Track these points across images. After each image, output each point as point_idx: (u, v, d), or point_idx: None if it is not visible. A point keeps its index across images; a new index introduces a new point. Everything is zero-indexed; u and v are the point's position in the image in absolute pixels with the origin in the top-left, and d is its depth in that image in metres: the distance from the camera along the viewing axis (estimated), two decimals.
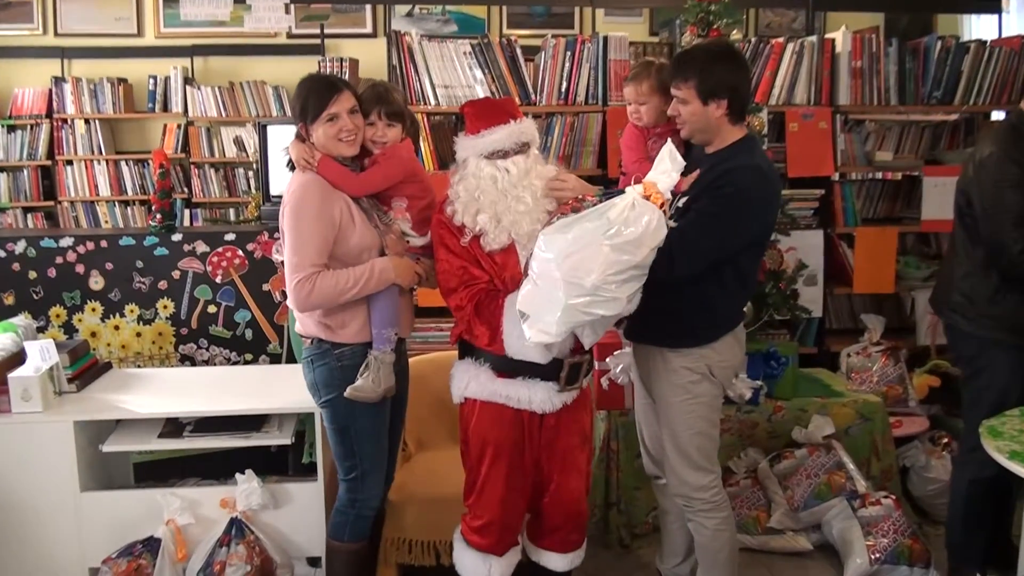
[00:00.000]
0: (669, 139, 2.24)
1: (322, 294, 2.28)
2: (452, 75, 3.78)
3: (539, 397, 2.31)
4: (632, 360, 2.63)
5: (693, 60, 2.34)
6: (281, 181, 2.55)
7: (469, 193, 2.27)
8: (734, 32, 3.30)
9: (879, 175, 4.25)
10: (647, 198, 2.02)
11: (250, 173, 5.85)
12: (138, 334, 3.55)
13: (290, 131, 2.45)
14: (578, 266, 1.98)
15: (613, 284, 2.00)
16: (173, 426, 2.75)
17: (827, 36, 3.99)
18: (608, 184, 3.71)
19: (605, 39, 3.83)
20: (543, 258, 2.04)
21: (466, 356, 2.38)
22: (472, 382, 2.34)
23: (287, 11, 4.25)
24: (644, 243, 2.00)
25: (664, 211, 2.05)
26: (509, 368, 2.30)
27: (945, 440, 3.46)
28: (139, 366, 3.51)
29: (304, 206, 2.29)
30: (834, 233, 3.99)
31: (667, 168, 2.04)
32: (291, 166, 2.43)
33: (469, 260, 2.29)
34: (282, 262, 2.39)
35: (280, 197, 2.51)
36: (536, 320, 2.07)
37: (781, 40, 3.91)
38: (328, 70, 4.75)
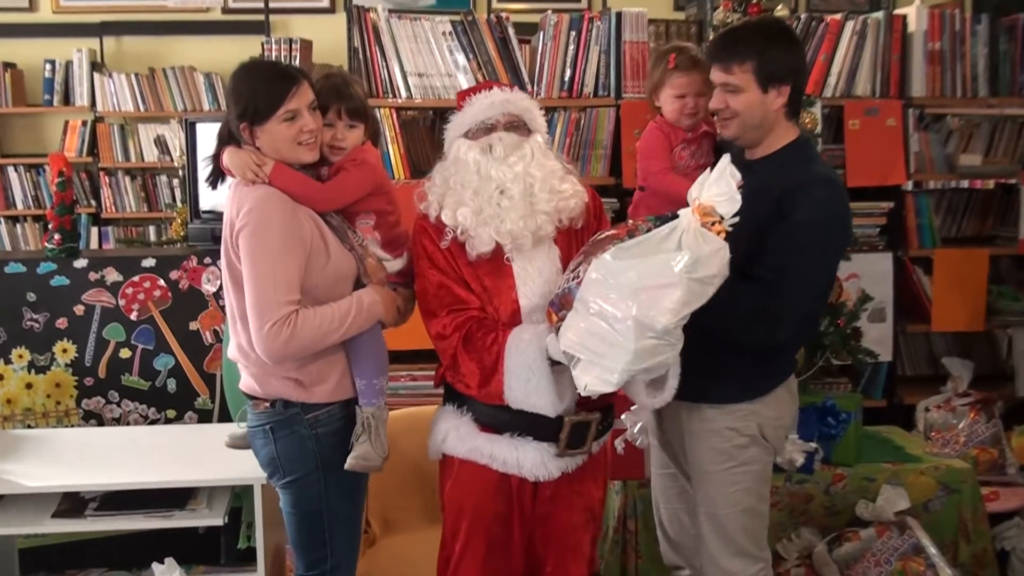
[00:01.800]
0: (726, 155, 2.17)
1: (304, 339, 2.23)
2: (428, 60, 3.82)
3: (530, 460, 2.30)
4: (652, 418, 2.64)
5: (750, 39, 2.39)
6: (214, 192, 2.56)
7: (444, 180, 2.31)
8: (779, 7, 3.35)
9: (964, 184, 4.30)
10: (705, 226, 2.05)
11: (175, 182, 5.87)
12: (28, 385, 3.54)
13: None
14: (652, 304, 2.00)
15: (678, 328, 2.04)
16: (72, 503, 2.73)
17: (897, 12, 4.05)
18: (621, 196, 3.76)
19: (619, 16, 3.88)
20: (604, 290, 2.05)
21: (449, 402, 2.39)
22: (451, 434, 2.35)
23: None
24: (714, 283, 2.04)
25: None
26: (494, 421, 2.30)
27: None
28: (29, 426, 3.50)
29: (268, 228, 2.24)
30: (906, 257, 4.03)
31: (727, 192, 2.05)
32: (214, 180, 2.42)
33: (454, 279, 2.31)
34: (215, 294, 2.39)
35: (212, 213, 2.52)
36: (592, 365, 2.07)
37: (839, 17, 3.97)
38: (274, 55, 4.78)
